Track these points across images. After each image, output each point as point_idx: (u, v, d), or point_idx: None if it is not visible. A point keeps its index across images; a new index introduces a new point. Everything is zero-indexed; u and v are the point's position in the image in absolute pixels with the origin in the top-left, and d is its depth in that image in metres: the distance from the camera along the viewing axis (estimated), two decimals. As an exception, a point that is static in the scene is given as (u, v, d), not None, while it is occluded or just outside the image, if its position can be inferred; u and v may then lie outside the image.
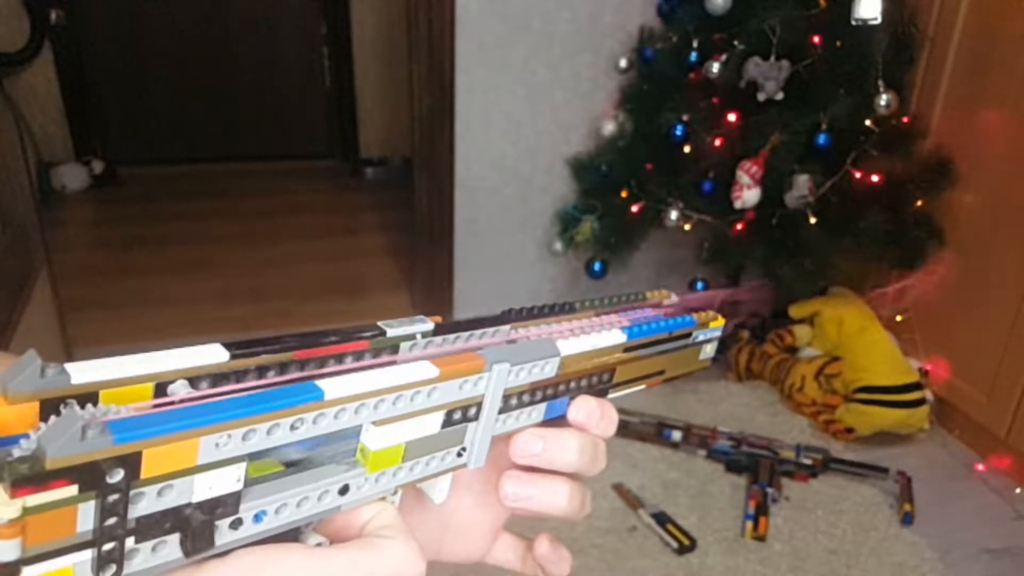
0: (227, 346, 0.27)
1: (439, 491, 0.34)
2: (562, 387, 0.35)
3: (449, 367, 0.29)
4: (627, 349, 0.37)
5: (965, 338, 1.92)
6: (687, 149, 1.87)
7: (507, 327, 0.35)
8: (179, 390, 0.25)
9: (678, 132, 1.85)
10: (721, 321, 0.42)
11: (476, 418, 0.31)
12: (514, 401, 0.33)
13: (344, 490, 0.28)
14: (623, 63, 2.10)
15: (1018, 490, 1.80)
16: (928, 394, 1.93)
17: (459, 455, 0.32)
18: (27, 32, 3.16)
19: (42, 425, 0.22)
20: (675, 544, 1.57)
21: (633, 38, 2.11)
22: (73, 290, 2.35)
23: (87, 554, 0.21)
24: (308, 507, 0.27)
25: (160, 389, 0.25)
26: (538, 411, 0.34)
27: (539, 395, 0.34)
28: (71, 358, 0.24)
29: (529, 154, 2.29)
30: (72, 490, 0.20)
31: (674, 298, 0.43)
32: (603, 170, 2.10)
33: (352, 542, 0.27)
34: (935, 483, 1.81)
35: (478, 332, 0.35)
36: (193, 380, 0.26)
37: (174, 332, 2.33)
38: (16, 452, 0.20)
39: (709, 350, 0.43)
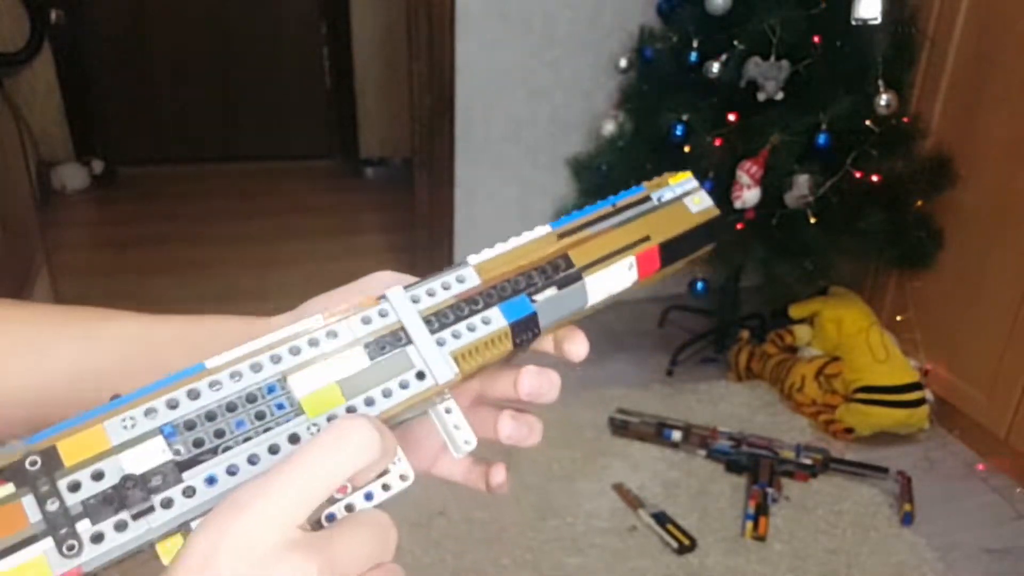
0: None
1: (463, 443, 0.34)
2: (507, 287, 0.35)
3: (335, 310, 0.32)
4: (562, 235, 0.36)
5: (965, 338, 1.92)
6: (687, 149, 1.86)
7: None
8: None
9: (678, 132, 1.84)
10: (685, 175, 0.40)
11: (411, 340, 0.32)
12: (450, 316, 0.33)
13: (294, 439, 0.29)
14: (623, 63, 2.10)
15: (1018, 490, 1.80)
16: (928, 394, 1.93)
17: (420, 378, 0.32)
18: (27, 32, 3.15)
19: None
20: (675, 544, 1.57)
21: (633, 38, 2.11)
22: (73, 290, 2.35)
23: (49, 542, 0.24)
24: (263, 463, 0.28)
25: None
26: (494, 315, 0.34)
27: (480, 303, 0.34)
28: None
29: (529, 154, 2.29)
30: (9, 488, 0.24)
31: (692, 182, 0.40)
32: (603, 170, 2.10)
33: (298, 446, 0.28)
34: (935, 483, 1.81)
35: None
36: None
37: (174, 332, 2.31)
38: None
39: (699, 202, 0.40)
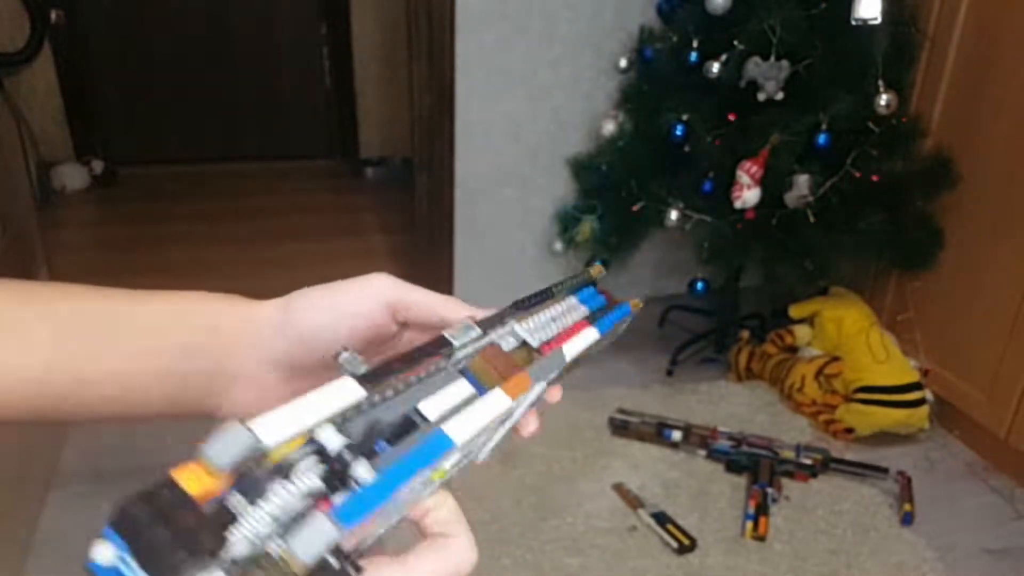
0: (358, 380, 0.30)
1: None
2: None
3: (514, 391, 0.34)
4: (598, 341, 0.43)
5: (965, 338, 1.92)
6: (687, 149, 1.86)
7: (513, 321, 0.40)
8: (330, 436, 0.28)
9: (678, 132, 1.84)
10: (639, 304, 0.49)
11: (504, 422, 0.36)
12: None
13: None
14: (623, 63, 2.10)
15: (1018, 490, 1.80)
16: (928, 394, 1.93)
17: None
18: (27, 32, 3.15)
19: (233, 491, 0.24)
20: (675, 544, 1.57)
21: (633, 38, 2.11)
22: (73, 290, 2.34)
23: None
24: (389, 520, 0.31)
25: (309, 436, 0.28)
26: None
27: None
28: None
29: (529, 154, 2.29)
30: None
31: (604, 272, 0.49)
32: (603, 170, 2.10)
33: (425, 544, 0.31)
34: (935, 483, 1.81)
35: (495, 333, 0.39)
36: (338, 424, 0.28)
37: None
38: (271, 550, 0.24)
39: (624, 326, 0.49)
